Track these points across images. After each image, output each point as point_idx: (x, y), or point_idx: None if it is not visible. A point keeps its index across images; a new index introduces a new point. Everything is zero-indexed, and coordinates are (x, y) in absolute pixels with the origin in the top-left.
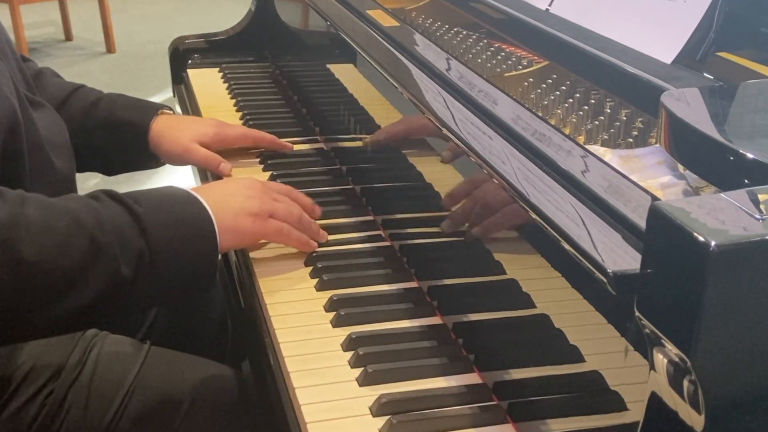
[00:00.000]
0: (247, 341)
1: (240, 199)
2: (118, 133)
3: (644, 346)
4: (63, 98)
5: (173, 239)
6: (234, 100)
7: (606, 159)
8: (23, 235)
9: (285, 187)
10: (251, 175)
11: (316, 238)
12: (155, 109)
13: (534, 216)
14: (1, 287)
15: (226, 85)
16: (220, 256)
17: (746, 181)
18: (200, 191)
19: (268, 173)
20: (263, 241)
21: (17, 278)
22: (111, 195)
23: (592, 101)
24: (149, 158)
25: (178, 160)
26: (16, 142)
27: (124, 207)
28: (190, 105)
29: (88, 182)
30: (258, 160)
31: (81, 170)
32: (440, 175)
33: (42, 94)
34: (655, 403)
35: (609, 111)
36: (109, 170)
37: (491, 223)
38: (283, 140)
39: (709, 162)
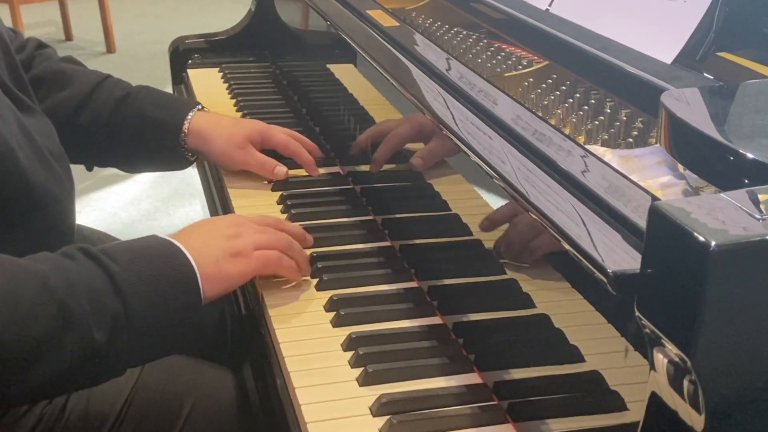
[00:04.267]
0: (247, 342)
1: (221, 242)
2: (148, 133)
3: (644, 346)
4: (89, 90)
5: (152, 296)
6: (234, 100)
7: (606, 159)
8: None
9: (272, 218)
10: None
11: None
12: (188, 106)
13: (534, 216)
14: None
15: (226, 85)
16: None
17: (746, 181)
18: (180, 239)
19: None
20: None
21: None
22: (86, 252)
23: (592, 101)
24: (178, 159)
25: (231, 161)
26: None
27: (99, 265)
28: None
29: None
30: None
31: (101, 165)
32: (440, 175)
33: (56, 85)
34: (655, 403)
35: (609, 111)
36: (131, 168)
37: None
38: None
39: (709, 162)
